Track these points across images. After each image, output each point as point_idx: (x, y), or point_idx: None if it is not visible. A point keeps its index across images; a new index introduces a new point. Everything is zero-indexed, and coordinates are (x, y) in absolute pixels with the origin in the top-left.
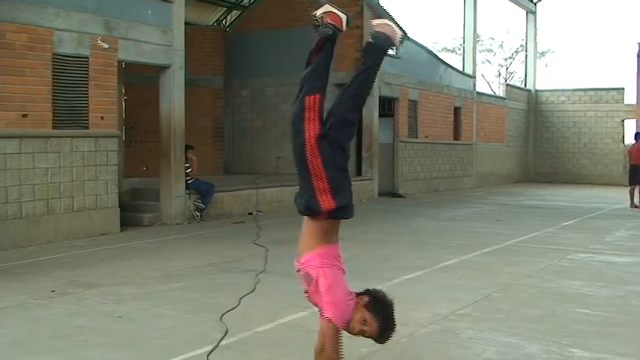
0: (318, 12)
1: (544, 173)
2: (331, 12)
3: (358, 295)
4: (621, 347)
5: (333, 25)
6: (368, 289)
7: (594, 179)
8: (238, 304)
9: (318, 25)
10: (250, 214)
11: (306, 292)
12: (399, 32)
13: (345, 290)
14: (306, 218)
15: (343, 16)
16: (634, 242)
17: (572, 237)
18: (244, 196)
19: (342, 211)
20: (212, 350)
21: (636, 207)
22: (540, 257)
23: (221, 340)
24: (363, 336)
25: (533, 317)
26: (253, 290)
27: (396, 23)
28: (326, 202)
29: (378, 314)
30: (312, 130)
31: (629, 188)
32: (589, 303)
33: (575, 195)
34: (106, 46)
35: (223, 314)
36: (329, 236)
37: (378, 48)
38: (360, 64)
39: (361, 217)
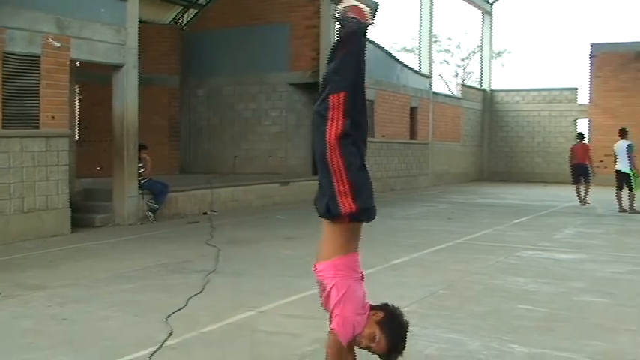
0: (341, 6)
1: (498, 172)
2: (354, 5)
3: (374, 308)
4: (559, 342)
5: (357, 19)
6: (386, 304)
7: (547, 178)
8: (185, 305)
9: (341, 21)
10: (205, 214)
11: (321, 297)
12: (368, 8)
13: (357, 304)
14: (326, 221)
15: (367, 9)
16: (581, 239)
17: (521, 234)
18: (199, 196)
19: (364, 214)
20: (155, 351)
21: (584, 204)
22: (489, 255)
23: (165, 341)
24: (368, 351)
25: (477, 314)
26: (202, 291)
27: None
28: (347, 206)
29: (390, 334)
30: (334, 129)
31: (575, 187)
32: (532, 299)
33: (527, 193)
34: (58, 45)
35: (169, 315)
36: (349, 244)
37: (348, 34)
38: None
39: (314, 215)
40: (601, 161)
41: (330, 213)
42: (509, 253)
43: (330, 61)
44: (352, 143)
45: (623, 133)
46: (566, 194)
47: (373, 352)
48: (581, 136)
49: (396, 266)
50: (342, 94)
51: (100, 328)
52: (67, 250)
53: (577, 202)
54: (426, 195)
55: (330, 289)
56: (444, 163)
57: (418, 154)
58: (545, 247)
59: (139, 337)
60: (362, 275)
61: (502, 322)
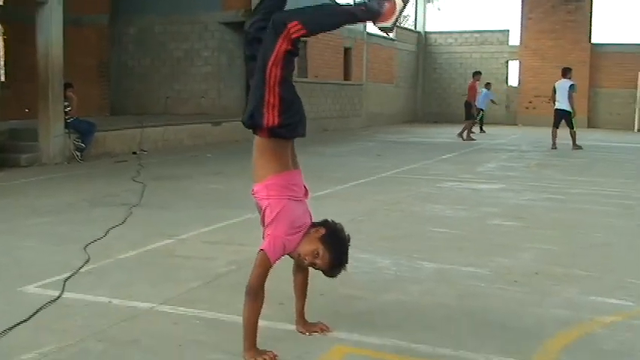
0: None
1: (432, 113)
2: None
3: (315, 225)
4: (467, 259)
5: (378, 12)
6: (326, 221)
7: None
8: (105, 235)
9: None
10: (134, 153)
11: (261, 222)
12: (398, 10)
13: (290, 225)
14: (254, 142)
15: (397, 10)
16: (501, 172)
17: (445, 168)
18: (128, 136)
19: (285, 129)
20: (70, 276)
21: (471, 140)
22: (411, 186)
23: (81, 267)
24: (313, 268)
25: (391, 237)
26: (123, 222)
27: None
28: (270, 118)
29: (333, 249)
30: (285, 44)
31: (465, 124)
32: (446, 224)
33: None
34: None
35: (88, 244)
36: (279, 162)
37: (361, 11)
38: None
39: (246, 154)
40: (530, 102)
41: (252, 120)
42: (431, 184)
43: None
44: (291, 63)
45: (565, 72)
46: (495, 133)
47: (317, 269)
48: (476, 74)
49: (318, 197)
50: (304, 29)
51: (17, 257)
52: None
53: (501, 140)
54: (359, 135)
55: (265, 209)
56: (377, 104)
57: (352, 95)
58: (466, 178)
59: (55, 265)
60: (305, 192)
61: (414, 243)
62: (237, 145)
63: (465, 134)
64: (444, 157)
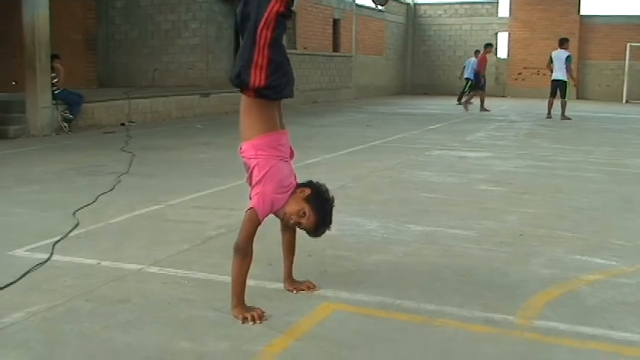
0: None
1: (421, 85)
2: None
3: (300, 185)
4: (453, 222)
5: None
6: (311, 182)
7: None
8: (94, 202)
9: None
10: (122, 124)
11: (246, 178)
12: None
13: (278, 184)
14: (242, 101)
15: None
16: (489, 141)
17: (434, 137)
18: (116, 107)
19: (271, 90)
20: (59, 240)
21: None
22: (400, 154)
23: (70, 231)
24: (298, 227)
25: (379, 201)
26: (112, 189)
27: None
28: (257, 79)
29: (318, 209)
30: (277, 5)
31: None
32: (434, 189)
33: (448, 104)
34: None
35: (77, 210)
36: (265, 123)
37: None
38: None
39: (234, 125)
40: (519, 73)
41: (239, 78)
42: (420, 152)
43: None
44: (284, 27)
45: (562, 43)
46: (486, 104)
47: (303, 229)
48: (477, 52)
49: (308, 165)
50: None
51: (6, 223)
52: None
53: (493, 111)
54: (348, 106)
55: (253, 168)
56: (367, 76)
57: (341, 67)
58: (454, 147)
59: (44, 229)
60: (291, 153)
61: (402, 207)
62: (226, 117)
63: (469, 105)
64: (433, 127)
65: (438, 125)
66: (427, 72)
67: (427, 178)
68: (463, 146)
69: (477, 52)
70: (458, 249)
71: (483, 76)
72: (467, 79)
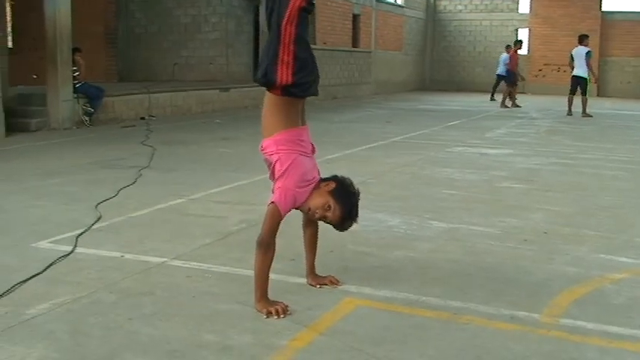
0: None
1: (440, 81)
2: None
3: (324, 180)
4: (476, 219)
5: None
6: (336, 176)
7: (488, 87)
8: (116, 195)
9: None
10: (142, 118)
11: (270, 177)
12: None
13: (300, 178)
14: (266, 98)
15: None
16: (510, 138)
17: (454, 134)
18: (136, 101)
19: (298, 88)
20: (82, 232)
21: (506, 107)
22: (421, 150)
23: (93, 224)
24: (324, 221)
25: (401, 197)
26: (134, 183)
27: None
28: (284, 76)
29: (343, 202)
30: (298, 1)
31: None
32: (455, 186)
33: (467, 100)
34: None
35: (99, 203)
36: (289, 118)
37: None
38: None
39: (254, 120)
40: (540, 70)
41: (266, 77)
42: (441, 149)
43: None
44: (306, 23)
45: (582, 39)
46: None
47: (328, 222)
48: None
49: (329, 160)
50: None
51: (30, 214)
52: None
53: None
54: (367, 102)
55: (274, 163)
56: (386, 72)
57: (360, 63)
58: (475, 144)
59: (68, 222)
60: (312, 149)
61: (424, 204)
62: (246, 112)
63: (510, 102)
64: (453, 123)
65: (458, 122)
66: (447, 68)
67: (448, 174)
68: (484, 143)
69: (507, 47)
70: (482, 246)
71: (517, 73)
72: (498, 75)
